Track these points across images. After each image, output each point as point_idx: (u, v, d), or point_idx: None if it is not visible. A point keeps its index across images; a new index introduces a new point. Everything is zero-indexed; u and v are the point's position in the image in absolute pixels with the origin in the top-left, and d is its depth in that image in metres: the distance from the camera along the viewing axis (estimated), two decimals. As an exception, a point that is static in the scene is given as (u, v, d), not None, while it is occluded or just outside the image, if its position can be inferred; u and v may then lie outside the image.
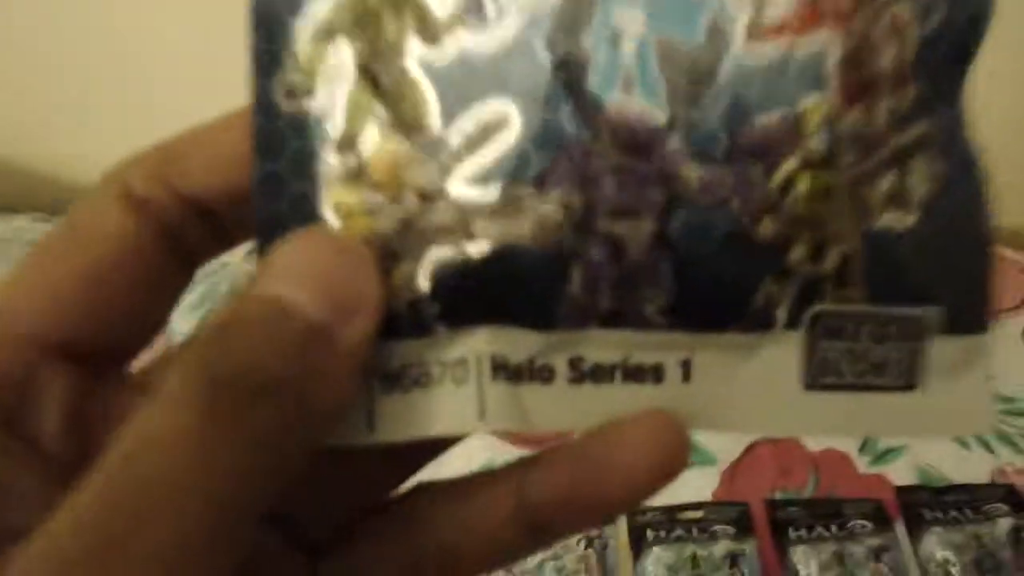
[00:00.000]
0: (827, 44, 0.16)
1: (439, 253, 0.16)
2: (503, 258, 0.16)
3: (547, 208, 0.16)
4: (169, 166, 0.17)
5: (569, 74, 0.16)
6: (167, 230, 0.17)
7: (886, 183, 0.17)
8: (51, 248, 0.17)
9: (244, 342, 0.15)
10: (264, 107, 0.17)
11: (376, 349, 0.17)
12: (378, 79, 0.17)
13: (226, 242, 0.18)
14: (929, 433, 0.18)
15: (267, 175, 0.17)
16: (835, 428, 0.18)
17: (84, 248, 0.17)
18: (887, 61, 0.17)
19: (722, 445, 0.45)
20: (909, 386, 0.17)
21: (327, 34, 0.17)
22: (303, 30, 0.17)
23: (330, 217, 0.17)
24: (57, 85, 0.77)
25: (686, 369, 0.17)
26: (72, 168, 0.78)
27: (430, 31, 0.16)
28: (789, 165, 0.16)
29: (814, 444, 0.45)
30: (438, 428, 0.17)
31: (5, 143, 0.81)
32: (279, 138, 0.17)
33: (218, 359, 0.14)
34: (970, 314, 0.17)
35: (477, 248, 0.16)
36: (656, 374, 0.17)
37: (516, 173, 0.16)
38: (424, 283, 0.17)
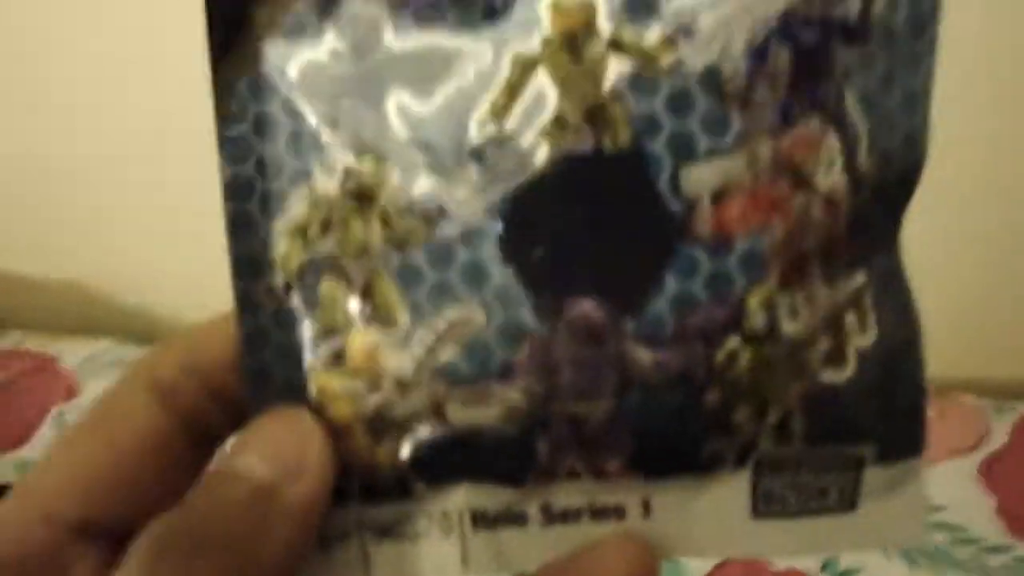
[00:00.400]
0: (767, 230, 0.17)
1: (417, 433, 0.18)
2: (475, 438, 0.18)
3: (512, 396, 0.18)
4: (193, 354, 0.19)
5: (528, 276, 0.17)
6: (192, 418, 0.19)
7: (823, 345, 0.18)
8: (82, 434, 0.19)
9: (195, 505, 0.17)
10: (248, 307, 0.18)
11: (367, 508, 0.19)
12: (350, 275, 0.18)
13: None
14: (868, 546, 0.20)
15: (255, 368, 0.18)
16: (782, 549, 0.20)
17: (113, 436, 0.18)
18: (823, 235, 0.18)
19: (694, 560, 0.48)
20: (848, 508, 0.19)
21: (301, 234, 0.18)
22: (280, 233, 0.18)
23: (316, 401, 0.18)
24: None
25: (645, 507, 0.19)
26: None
27: (396, 234, 0.18)
28: (731, 343, 0.18)
29: (779, 563, 0.48)
30: (427, 575, 0.19)
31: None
32: (264, 333, 0.18)
33: (169, 524, 0.17)
34: (903, 444, 0.19)
35: (451, 429, 0.18)
36: (619, 513, 0.19)
37: (483, 366, 0.18)
38: (406, 456, 0.18)
